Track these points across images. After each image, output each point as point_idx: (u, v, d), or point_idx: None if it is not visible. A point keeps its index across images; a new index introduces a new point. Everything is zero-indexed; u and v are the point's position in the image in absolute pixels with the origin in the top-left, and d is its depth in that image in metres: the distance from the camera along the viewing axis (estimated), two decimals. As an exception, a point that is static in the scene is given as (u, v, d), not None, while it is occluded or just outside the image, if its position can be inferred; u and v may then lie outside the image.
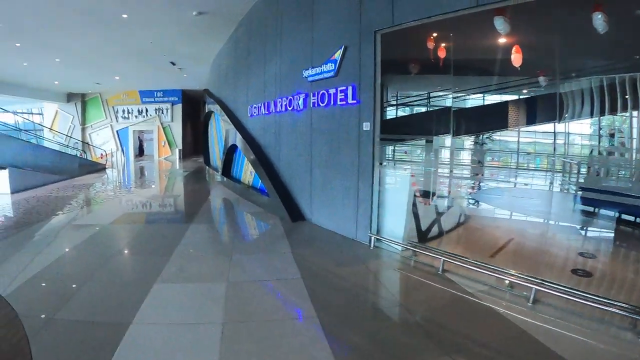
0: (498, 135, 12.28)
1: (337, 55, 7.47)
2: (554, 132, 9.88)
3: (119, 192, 13.91)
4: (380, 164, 6.97)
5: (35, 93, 26.45)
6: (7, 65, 19.07)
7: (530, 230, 8.30)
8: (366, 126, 6.89)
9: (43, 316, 4.20)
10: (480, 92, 11.60)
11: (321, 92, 7.94)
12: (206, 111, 20.45)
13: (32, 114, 31.71)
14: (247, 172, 12.75)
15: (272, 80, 10.14)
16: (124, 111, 30.22)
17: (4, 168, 13.66)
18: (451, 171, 9.66)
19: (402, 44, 7.62)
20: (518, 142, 11.50)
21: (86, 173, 19.60)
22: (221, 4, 11.46)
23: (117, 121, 30.39)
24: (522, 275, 4.95)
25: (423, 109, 12.98)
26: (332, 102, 7.68)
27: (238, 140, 12.55)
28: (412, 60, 9.86)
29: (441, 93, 12.01)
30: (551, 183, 10.41)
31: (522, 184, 11.79)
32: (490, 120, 11.24)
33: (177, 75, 23.28)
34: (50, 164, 16.86)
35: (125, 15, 12.31)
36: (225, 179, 14.77)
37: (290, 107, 9.08)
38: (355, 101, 7.12)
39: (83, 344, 3.70)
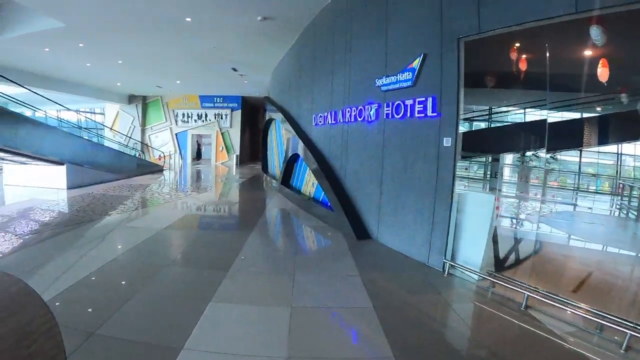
0: (560, 155, 11.55)
1: (416, 63, 6.89)
2: (618, 153, 9.16)
3: (175, 195, 13.63)
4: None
5: (97, 93, 26.94)
6: (70, 64, 19.33)
7: (606, 261, 7.54)
8: (447, 142, 6.27)
9: (84, 329, 3.78)
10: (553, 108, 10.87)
11: (396, 103, 7.36)
12: (266, 118, 20.24)
13: (94, 113, 32.47)
14: (308, 183, 12.27)
15: (340, 88, 9.64)
16: (183, 115, 30.49)
17: (62, 164, 13.71)
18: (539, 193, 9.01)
19: (479, 54, 6.98)
20: (580, 162, 10.79)
21: (144, 173, 19.66)
22: (287, 9, 11.13)
23: (176, 124, 30.69)
24: (613, 317, 4.30)
25: (482, 125, 12.30)
26: (408, 114, 7.08)
27: (300, 149, 12.11)
28: (487, 72, 9.20)
29: (508, 108, 11.38)
30: (619, 209, 9.64)
31: (586, 207, 11.02)
32: (568, 137, 10.48)
33: (238, 82, 23.20)
34: (108, 162, 16.87)
35: (188, 19, 12.11)
36: (284, 188, 14.34)
37: (360, 117, 8.53)
38: (435, 114, 6.50)
39: (127, 370, 3.24)
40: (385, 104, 7.70)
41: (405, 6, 7.32)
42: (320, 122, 10.98)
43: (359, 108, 8.56)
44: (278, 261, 6.82)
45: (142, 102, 31.00)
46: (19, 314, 1.46)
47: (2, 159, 13.65)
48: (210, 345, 3.69)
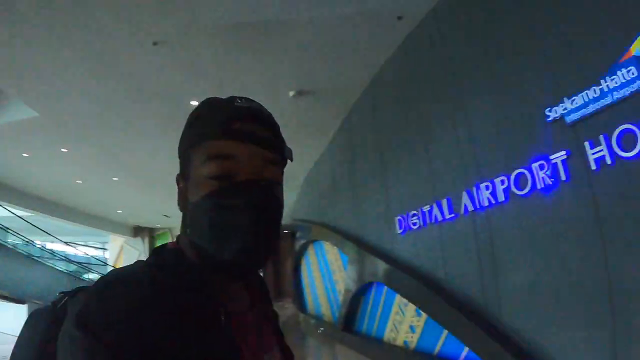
0: None
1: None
2: None
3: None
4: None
5: (96, 222, 23.44)
6: (58, 179, 15.64)
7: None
8: None
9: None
10: None
11: (614, 135, 3.69)
12: (298, 247, 16.10)
13: (95, 247, 30.51)
14: (402, 324, 7.83)
15: (453, 159, 6.10)
16: (195, 250, 27.30)
17: (24, 302, 12.12)
18: None
19: None
20: None
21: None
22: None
23: (188, 260, 27.35)
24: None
25: None
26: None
27: (381, 273, 8.13)
28: None
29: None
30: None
31: None
32: None
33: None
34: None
35: (194, 103, 9.03)
36: (347, 334, 9.98)
37: (520, 189, 4.62)
38: None
39: None
40: (585, 144, 3.96)
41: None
42: (413, 224, 7.10)
43: (512, 175, 4.76)
44: None
45: (149, 236, 28.11)
46: None
47: None
48: None
